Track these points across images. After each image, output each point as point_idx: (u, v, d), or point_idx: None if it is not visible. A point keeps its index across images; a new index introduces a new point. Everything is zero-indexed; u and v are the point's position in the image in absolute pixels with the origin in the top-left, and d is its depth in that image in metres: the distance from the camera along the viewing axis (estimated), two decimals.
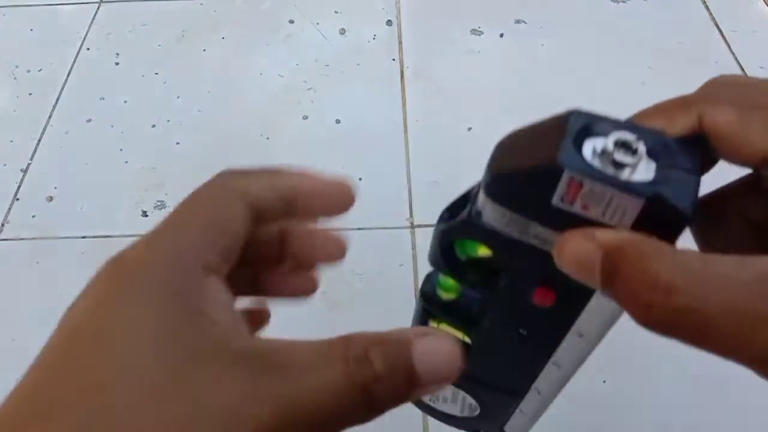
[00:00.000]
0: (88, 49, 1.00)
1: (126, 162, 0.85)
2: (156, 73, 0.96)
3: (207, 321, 0.19)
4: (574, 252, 0.20)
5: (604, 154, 0.20)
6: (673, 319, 0.17)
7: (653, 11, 1.01)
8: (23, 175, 0.84)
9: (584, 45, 0.97)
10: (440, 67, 0.94)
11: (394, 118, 0.88)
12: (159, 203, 0.80)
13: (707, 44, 0.95)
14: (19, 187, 0.83)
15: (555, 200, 0.20)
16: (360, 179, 0.81)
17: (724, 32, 0.97)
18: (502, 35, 0.99)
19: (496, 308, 0.27)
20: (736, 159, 0.21)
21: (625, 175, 0.19)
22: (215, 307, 0.20)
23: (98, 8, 1.06)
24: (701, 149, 0.21)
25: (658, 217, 0.19)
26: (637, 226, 0.20)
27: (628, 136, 0.20)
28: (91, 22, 1.04)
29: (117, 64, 0.98)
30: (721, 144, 0.21)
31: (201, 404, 0.18)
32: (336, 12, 1.03)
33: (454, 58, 0.96)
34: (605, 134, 0.20)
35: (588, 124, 0.21)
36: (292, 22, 1.02)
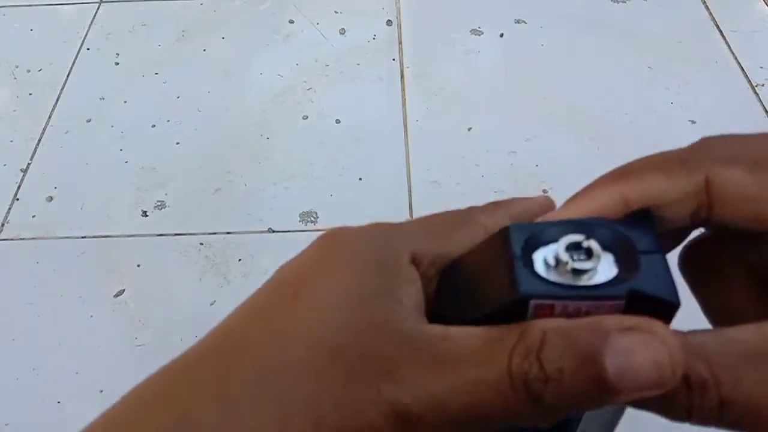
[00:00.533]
0: (88, 49, 1.00)
1: (126, 162, 0.85)
2: (156, 73, 0.96)
3: (392, 299, 0.20)
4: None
5: (559, 264, 0.18)
6: (716, 414, 0.16)
7: (653, 11, 1.01)
8: (23, 175, 0.84)
9: (584, 45, 0.97)
10: (440, 67, 0.94)
11: (394, 118, 0.88)
12: (159, 203, 0.80)
13: (707, 44, 0.95)
14: (19, 187, 0.83)
15: None
16: (360, 179, 0.81)
17: (724, 32, 0.97)
18: (502, 35, 0.99)
19: None
20: (751, 223, 0.20)
21: (589, 280, 0.18)
22: (404, 291, 0.20)
23: (98, 8, 1.06)
24: (650, 224, 0.20)
25: (644, 309, 0.18)
26: None
27: (575, 237, 0.19)
28: (91, 22, 1.04)
29: (117, 64, 0.98)
30: (733, 208, 0.20)
31: (355, 372, 0.19)
32: (336, 12, 1.03)
33: (454, 58, 0.96)
34: (551, 241, 0.19)
35: (529, 236, 0.19)
36: (292, 22, 1.02)
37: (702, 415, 0.16)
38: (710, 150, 0.22)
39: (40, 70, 0.97)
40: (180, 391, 0.21)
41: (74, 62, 0.98)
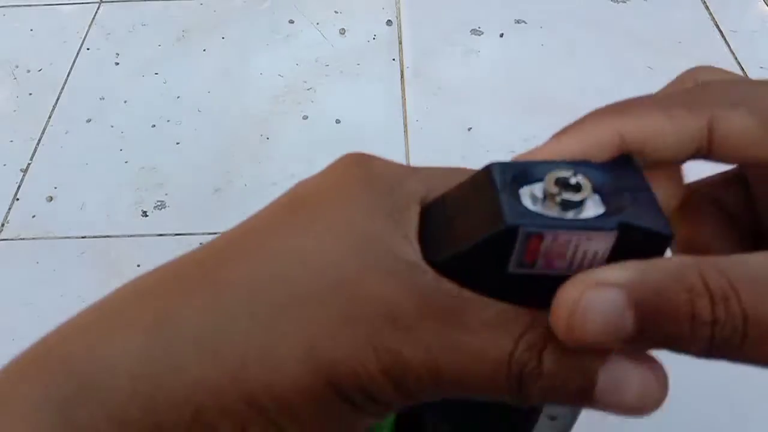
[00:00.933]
0: (88, 49, 1.00)
1: (126, 162, 0.85)
2: (156, 73, 0.96)
3: (406, 244, 0.19)
4: (591, 307, 0.16)
5: (547, 198, 0.18)
6: (739, 334, 0.15)
7: (653, 11, 1.01)
8: (23, 175, 0.84)
9: (584, 45, 0.97)
10: (440, 67, 0.94)
11: (394, 118, 0.88)
12: (159, 203, 0.80)
13: (707, 44, 0.95)
14: (19, 187, 0.83)
15: (512, 267, 0.18)
16: None
17: (724, 32, 0.97)
18: (502, 35, 0.99)
19: (455, 411, 0.25)
20: (752, 167, 0.20)
21: (578, 214, 0.18)
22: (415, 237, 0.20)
23: (98, 8, 1.06)
24: (634, 166, 0.20)
25: (634, 246, 0.18)
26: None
27: (563, 172, 0.18)
28: (91, 22, 1.04)
29: (117, 64, 0.98)
30: (735, 152, 0.20)
31: (359, 309, 0.18)
32: (336, 12, 1.03)
33: (454, 58, 0.96)
34: (537, 178, 0.19)
35: (515, 174, 0.19)
36: (292, 22, 1.02)
37: (725, 335, 0.15)
38: (714, 92, 0.21)
39: (40, 70, 0.97)
40: (166, 292, 0.20)
41: (74, 62, 0.98)
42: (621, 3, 1.02)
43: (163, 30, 1.02)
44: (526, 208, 0.18)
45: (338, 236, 0.19)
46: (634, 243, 0.18)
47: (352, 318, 0.18)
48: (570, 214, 0.18)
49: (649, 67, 0.92)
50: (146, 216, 0.79)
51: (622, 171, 0.19)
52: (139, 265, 0.74)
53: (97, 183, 0.83)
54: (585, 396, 0.17)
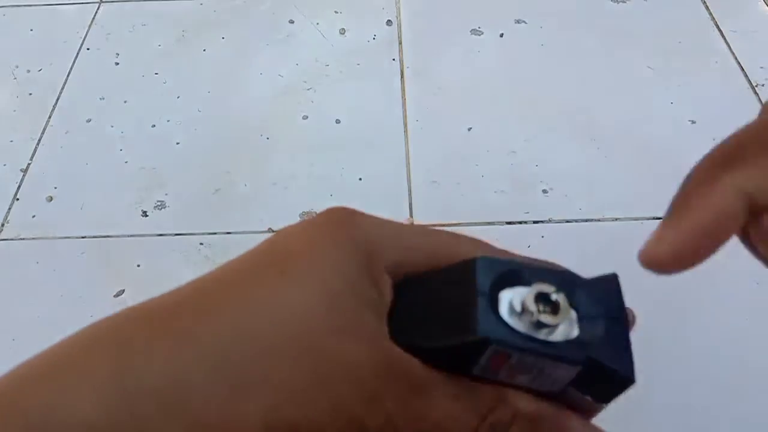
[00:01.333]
0: (88, 49, 1.00)
1: (126, 162, 0.85)
2: (156, 73, 0.96)
3: (374, 313, 0.20)
4: None
5: (524, 312, 0.18)
6: None
7: (653, 11, 1.01)
8: (23, 175, 0.84)
9: (584, 45, 0.97)
10: (440, 67, 0.94)
11: (394, 118, 0.88)
12: (159, 203, 0.80)
13: (707, 44, 0.95)
14: (19, 187, 0.83)
15: (476, 371, 0.19)
16: (360, 179, 0.81)
17: (724, 32, 0.97)
18: (502, 35, 0.99)
19: None
20: None
21: (549, 335, 0.18)
22: (382, 303, 0.20)
23: (98, 8, 1.06)
24: (616, 288, 0.20)
25: (597, 378, 0.18)
26: (572, 386, 0.18)
27: (546, 287, 0.18)
28: (91, 22, 1.04)
29: (117, 64, 0.98)
30: None
31: (323, 373, 0.18)
32: (336, 12, 1.03)
33: (454, 58, 0.96)
34: (521, 282, 0.19)
35: (500, 274, 0.19)
36: (292, 22, 1.02)
37: None
38: None
39: (40, 70, 0.97)
40: (126, 340, 0.19)
41: (74, 62, 0.98)
42: (621, 3, 1.02)
43: (163, 30, 1.02)
44: (499, 321, 0.18)
45: (309, 296, 0.19)
46: (598, 375, 0.18)
47: (317, 381, 0.18)
48: (542, 333, 0.18)
49: (649, 67, 0.92)
50: (146, 216, 0.79)
51: (605, 292, 0.19)
52: (138, 265, 0.74)
53: (97, 183, 0.83)
54: None
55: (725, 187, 0.18)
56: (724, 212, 0.18)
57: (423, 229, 0.23)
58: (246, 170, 0.82)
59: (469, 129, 0.86)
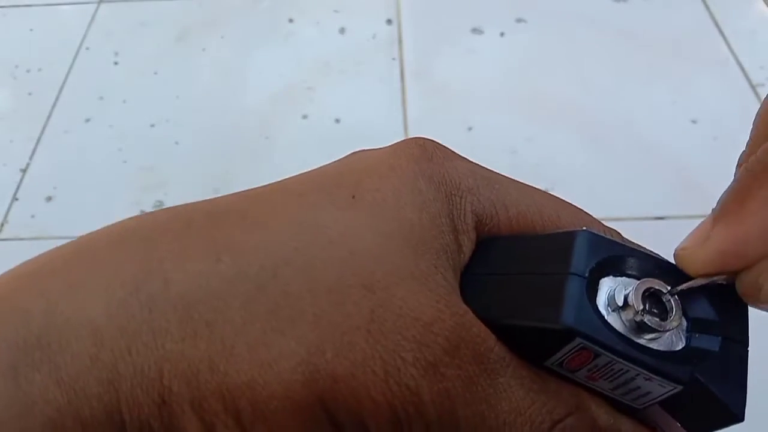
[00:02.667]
0: (87, 48, 1.00)
1: (125, 162, 0.85)
2: (155, 73, 0.96)
3: (448, 262, 0.16)
4: None
5: (626, 308, 0.15)
6: None
7: (653, 11, 1.01)
8: (23, 175, 0.84)
9: (585, 44, 0.96)
10: (440, 66, 0.94)
11: (394, 117, 0.88)
12: (158, 203, 0.80)
13: (707, 44, 0.95)
14: (18, 187, 0.83)
15: (550, 362, 0.16)
16: None
17: (724, 32, 0.97)
18: (502, 34, 0.99)
19: None
20: None
21: (651, 341, 0.15)
22: (460, 257, 0.17)
23: (98, 8, 1.06)
24: (741, 305, 0.16)
25: (693, 406, 0.15)
26: (659, 404, 0.15)
27: (658, 285, 0.15)
28: (91, 22, 1.03)
29: (116, 63, 0.98)
30: None
31: (380, 326, 0.15)
32: (335, 11, 1.03)
33: (455, 57, 0.96)
34: (625, 273, 0.15)
35: (603, 258, 0.15)
36: (291, 21, 1.02)
37: None
38: None
39: (39, 70, 0.97)
40: (158, 242, 0.16)
41: (73, 62, 0.98)
42: (621, 3, 1.02)
43: (163, 29, 1.02)
44: (594, 312, 0.15)
45: (381, 229, 0.16)
46: (697, 402, 0.15)
47: (373, 331, 0.15)
48: (643, 338, 0.15)
49: (649, 67, 0.92)
50: None
51: (726, 303, 0.16)
52: None
53: (96, 183, 0.83)
54: None
55: None
56: None
57: (520, 184, 0.20)
58: (245, 170, 0.82)
59: (470, 128, 0.86)
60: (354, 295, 0.15)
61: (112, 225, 0.18)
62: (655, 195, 0.75)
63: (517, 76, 0.93)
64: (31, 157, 0.86)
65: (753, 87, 0.89)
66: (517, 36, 0.98)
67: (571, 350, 0.15)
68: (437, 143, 0.19)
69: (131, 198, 0.81)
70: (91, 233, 0.18)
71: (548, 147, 0.83)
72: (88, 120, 0.90)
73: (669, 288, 0.15)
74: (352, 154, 0.19)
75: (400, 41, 0.98)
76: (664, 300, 0.15)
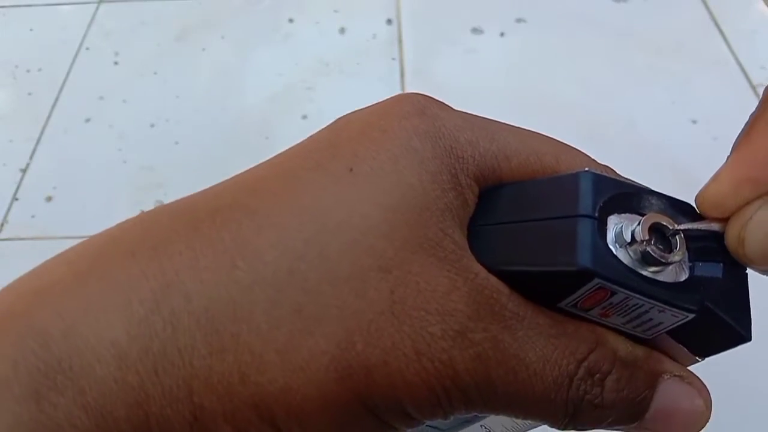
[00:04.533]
0: (87, 48, 1.00)
1: (125, 162, 0.85)
2: (155, 73, 0.96)
3: (455, 224, 0.16)
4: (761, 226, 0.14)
5: (633, 244, 0.15)
6: None
7: (653, 11, 1.01)
8: (22, 175, 0.84)
9: (585, 44, 0.96)
10: (440, 66, 0.94)
11: None
12: (158, 203, 0.80)
13: (707, 44, 0.95)
14: (18, 187, 0.83)
15: (564, 304, 0.16)
16: None
17: (724, 32, 0.97)
18: (502, 34, 0.98)
19: None
20: None
21: (657, 273, 0.15)
22: (465, 214, 0.17)
23: (97, 8, 1.06)
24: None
25: (701, 332, 0.16)
26: (670, 335, 0.16)
27: (663, 220, 0.15)
28: (91, 22, 1.03)
29: (116, 63, 0.98)
30: None
31: (409, 287, 0.15)
32: (335, 11, 1.03)
33: (455, 57, 0.96)
34: (630, 210, 0.16)
35: (608, 197, 0.16)
36: (291, 21, 1.02)
37: None
38: None
39: (39, 70, 0.97)
40: (171, 245, 0.16)
41: (73, 62, 0.98)
42: (621, 3, 1.02)
43: (162, 29, 1.02)
44: (607, 251, 0.15)
45: (382, 198, 0.16)
46: (706, 327, 0.16)
47: (397, 313, 0.15)
48: (649, 271, 0.15)
49: (649, 67, 0.92)
50: None
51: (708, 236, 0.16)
52: None
53: (96, 183, 0.83)
54: (633, 423, 0.16)
55: None
56: None
57: (516, 130, 0.19)
58: (245, 169, 0.82)
59: None
60: (372, 280, 0.15)
61: (116, 231, 0.18)
62: None
63: (517, 76, 0.92)
64: (31, 157, 0.86)
65: (753, 87, 0.89)
66: (517, 36, 0.98)
67: (587, 291, 0.15)
68: (428, 96, 0.19)
69: (131, 198, 0.81)
70: (96, 240, 0.17)
71: None
72: (88, 120, 0.90)
73: (674, 224, 0.16)
74: (340, 119, 0.18)
75: (400, 41, 0.98)
76: (668, 234, 0.16)
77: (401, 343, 0.15)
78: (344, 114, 0.18)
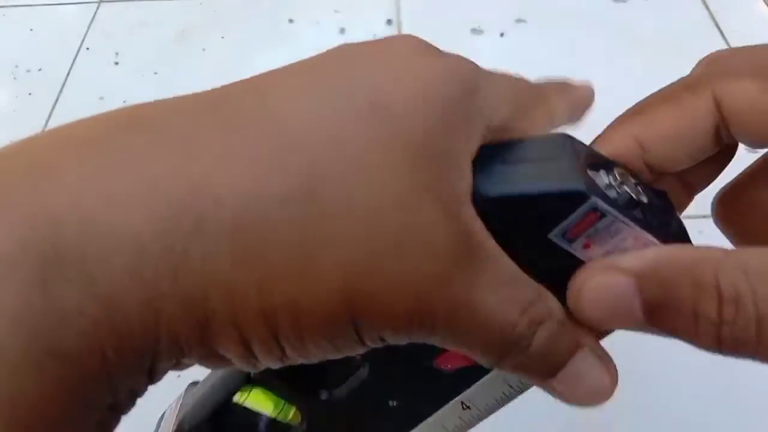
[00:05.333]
0: (87, 48, 1.00)
1: None
2: (155, 73, 0.96)
3: (461, 175, 0.17)
4: (598, 291, 0.17)
5: (619, 184, 0.18)
6: (752, 335, 0.14)
7: (653, 11, 1.01)
8: None
9: (584, 45, 0.97)
10: None
11: None
12: None
13: (707, 44, 0.95)
14: None
15: (554, 233, 0.17)
16: None
17: (724, 32, 0.97)
18: (502, 35, 0.99)
19: (370, 369, 0.23)
20: (765, 140, 0.18)
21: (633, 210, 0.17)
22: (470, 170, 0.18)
23: (98, 8, 1.06)
24: (669, 198, 0.20)
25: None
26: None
27: (625, 170, 0.19)
28: (91, 22, 1.04)
29: (116, 63, 0.98)
30: (746, 121, 0.18)
31: (416, 229, 0.16)
32: (336, 11, 1.03)
33: None
34: (603, 166, 0.18)
35: (587, 153, 0.19)
36: (291, 21, 1.02)
37: (735, 335, 0.14)
38: (715, 66, 0.20)
39: (39, 70, 0.97)
40: (209, 142, 0.16)
41: (74, 62, 0.98)
42: (621, 3, 1.02)
43: (163, 30, 1.02)
44: (595, 183, 0.17)
45: (399, 135, 0.16)
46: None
47: (401, 253, 0.16)
48: (627, 206, 0.18)
49: (649, 67, 0.92)
50: None
51: (660, 197, 0.19)
52: None
53: None
54: (544, 379, 0.18)
55: (622, 132, 0.21)
56: (616, 150, 0.20)
57: (509, 94, 0.21)
58: None
59: None
60: (384, 217, 0.16)
61: (138, 110, 0.18)
62: None
63: None
64: None
65: None
66: (517, 36, 0.98)
67: (580, 215, 0.17)
68: (423, 41, 0.20)
69: None
70: (115, 117, 0.17)
71: None
72: None
73: (632, 175, 0.19)
74: (344, 49, 0.20)
75: None
76: (633, 181, 0.18)
77: (402, 279, 0.16)
78: (344, 45, 0.20)
